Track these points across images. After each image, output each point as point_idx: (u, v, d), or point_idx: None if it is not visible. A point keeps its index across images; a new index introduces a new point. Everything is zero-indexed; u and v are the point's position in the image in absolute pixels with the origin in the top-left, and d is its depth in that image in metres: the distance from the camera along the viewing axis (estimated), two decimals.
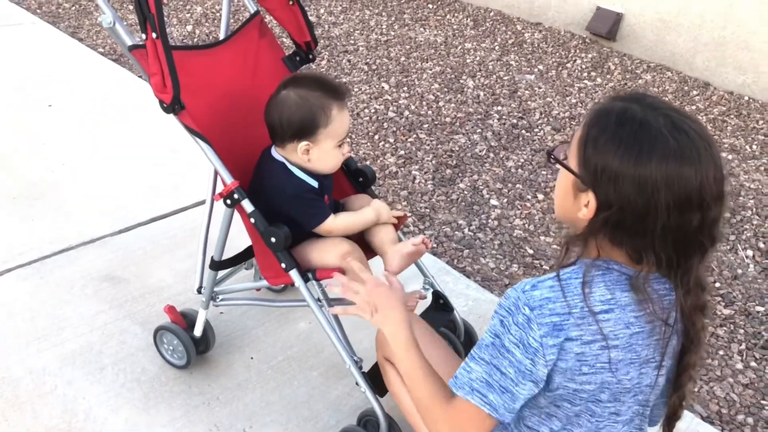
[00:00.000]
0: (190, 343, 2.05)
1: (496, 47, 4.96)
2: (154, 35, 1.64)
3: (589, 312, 1.18)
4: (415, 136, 3.72)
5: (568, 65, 4.79)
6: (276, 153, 1.82)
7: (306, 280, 1.78)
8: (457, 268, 2.77)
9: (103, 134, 3.35)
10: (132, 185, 2.94)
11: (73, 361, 2.07)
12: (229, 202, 1.76)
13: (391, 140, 3.65)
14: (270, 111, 1.77)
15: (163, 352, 2.11)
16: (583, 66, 4.77)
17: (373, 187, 2.12)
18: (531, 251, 2.95)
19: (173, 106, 1.69)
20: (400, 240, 1.96)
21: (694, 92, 4.53)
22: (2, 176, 2.91)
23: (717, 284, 2.86)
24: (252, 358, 2.17)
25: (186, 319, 2.08)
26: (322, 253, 1.83)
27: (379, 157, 3.49)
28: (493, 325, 1.23)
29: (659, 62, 4.84)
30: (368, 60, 4.56)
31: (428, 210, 3.14)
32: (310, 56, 2.10)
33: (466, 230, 3.03)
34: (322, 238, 1.85)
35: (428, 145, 3.65)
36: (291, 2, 2.01)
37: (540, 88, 4.44)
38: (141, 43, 1.71)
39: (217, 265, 1.95)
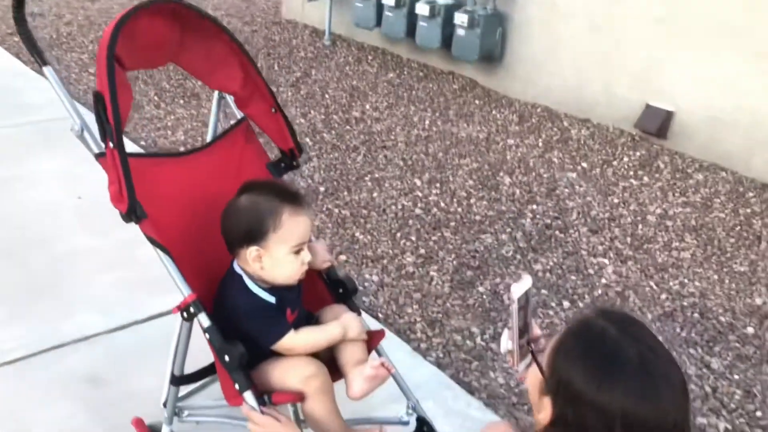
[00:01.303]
0: None
1: (540, 144, 4.86)
2: (111, 145, 1.62)
3: None
4: (439, 234, 3.61)
5: (614, 163, 4.62)
6: (236, 266, 1.75)
7: (262, 403, 1.66)
8: (461, 382, 2.58)
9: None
10: (133, 279, 2.92)
11: None
12: (185, 315, 1.69)
13: (414, 238, 3.55)
14: (222, 218, 1.72)
15: None
16: (630, 164, 4.60)
17: (358, 299, 2.02)
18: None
19: (130, 215, 1.66)
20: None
21: (750, 194, 4.27)
22: (5, 267, 2.96)
23: (758, 413, 2.56)
24: None
25: None
26: (283, 373, 1.71)
27: (397, 256, 3.38)
28: None
29: (713, 161, 4.61)
30: (405, 155, 4.53)
31: (440, 315, 2.98)
32: (294, 163, 2.06)
33: (478, 339, 2.85)
34: (285, 358, 1.73)
35: (452, 244, 3.53)
36: (273, 110, 1.99)
37: (581, 186, 4.28)
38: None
39: (177, 380, 1.86)
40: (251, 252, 1.67)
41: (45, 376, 2.34)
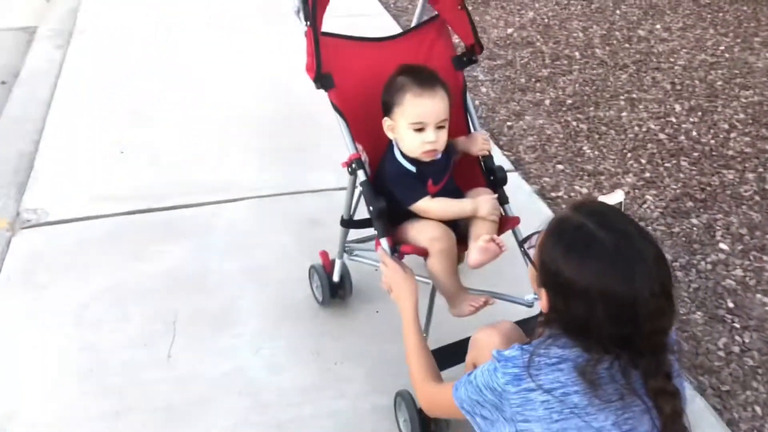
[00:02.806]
0: (327, 285, 2.44)
1: None
2: (308, 24, 2.03)
3: (545, 365, 1.35)
4: (675, 162, 3.48)
5: None
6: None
7: (394, 251, 2.02)
8: None
9: None
10: None
11: (249, 274, 2.64)
12: (350, 170, 2.09)
13: (643, 161, 3.47)
14: None
15: (312, 285, 2.55)
16: None
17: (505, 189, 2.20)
18: (731, 304, 2.61)
19: (316, 82, 2.07)
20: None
21: None
22: (285, 132, 3.65)
23: None
24: (377, 312, 2.47)
25: (333, 266, 2.47)
26: (417, 232, 2.02)
27: (617, 175, 3.37)
28: (475, 370, 1.47)
29: None
30: (676, 79, 4.30)
31: None
32: (474, 58, 2.26)
33: None
34: (422, 220, 2.03)
35: (684, 173, 3.39)
36: (460, 7, 2.21)
37: None
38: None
39: (345, 223, 2.29)
40: (386, 122, 1.99)
41: (279, 212, 2.97)
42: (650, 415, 1.36)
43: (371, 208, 2.01)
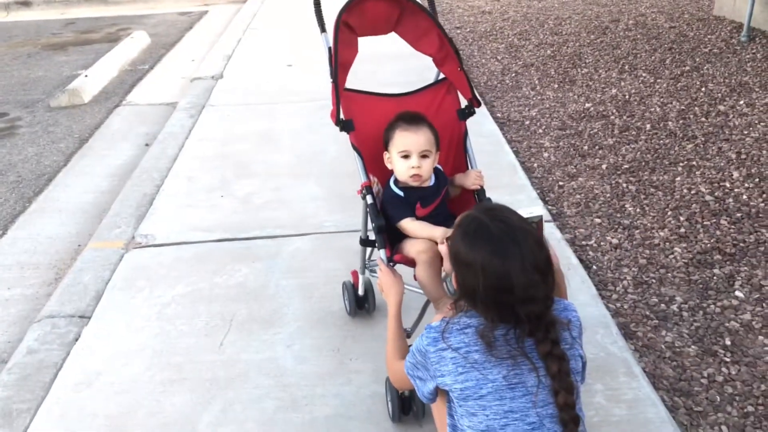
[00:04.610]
0: (353, 298, 2.92)
1: None
2: (332, 81, 2.60)
3: (455, 330, 1.75)
4: (714, 221, 3.64)
5: None
6: None
7: (390, 261, 2.47)
8: (628, 331, 2.86)
9: None
10: None
11: (300, 289, 3.17)
12: (362, 195, 2.59)
13: (682, 218, 3.67)
14: None
15: (344, 298, 3.03)
16: None
17: None
18: (728, 342, 2.77)
19: (337, 125, 2.61)
20: None
21: None
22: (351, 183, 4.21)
23: None
24: None
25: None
26: (409, 246, 2.46)
27: (653, 229, 3.59)
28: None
29: None
30: (743, 149, 4.43)
31: (654, 280, 3.19)
32: (472, 110, 2.71)
33: (674, 306, 3.00)
34: (412, 237, 2.49)
35: (721, 231, 3.55)
36: (460, 69, 2.68)
37: None
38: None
39: (362, 242, 2.77)
40: (385, 155, 2.48)
41: (337, 246, 3.51)
42: (537, 373, 1.71)
43: (374, 224, 2.49)
